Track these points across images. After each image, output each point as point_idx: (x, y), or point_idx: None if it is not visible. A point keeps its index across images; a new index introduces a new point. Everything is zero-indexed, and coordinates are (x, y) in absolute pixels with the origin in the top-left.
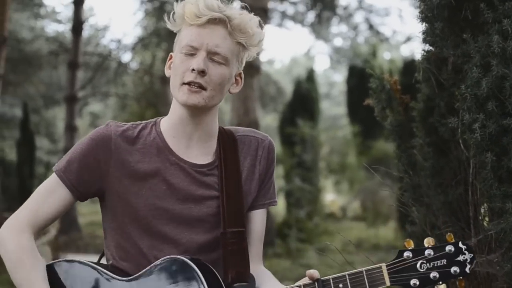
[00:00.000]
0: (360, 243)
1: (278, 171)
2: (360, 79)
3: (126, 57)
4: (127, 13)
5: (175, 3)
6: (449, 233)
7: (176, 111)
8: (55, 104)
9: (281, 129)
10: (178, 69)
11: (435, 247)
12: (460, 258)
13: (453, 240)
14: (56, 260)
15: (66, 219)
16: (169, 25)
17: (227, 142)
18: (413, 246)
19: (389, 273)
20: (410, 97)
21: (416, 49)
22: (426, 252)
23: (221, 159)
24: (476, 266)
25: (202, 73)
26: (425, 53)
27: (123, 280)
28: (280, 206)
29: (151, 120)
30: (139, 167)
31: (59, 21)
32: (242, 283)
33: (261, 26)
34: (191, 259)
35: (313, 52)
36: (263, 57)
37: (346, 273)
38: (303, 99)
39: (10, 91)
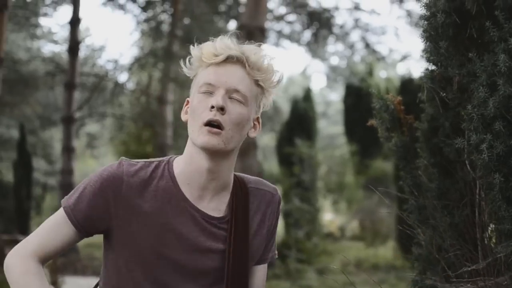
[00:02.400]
0: (359, 263)
1: None
2: (357, 97)
3: (122, 77)
4: (123, 33)
5: (191, 47)
6: None
7: (192, 157)
8: (52, 125)
9: (279, 149)
10: (196, 110)
11: None
12: None
13: None
14: None
15: None
16: (186, 70)
17: (240, 195)
18: None
19: None
20: (413, 117)
21: (413, 68)
22: None
23: (233, 214)
24: None
25: (221, 110)
26: (429, 72)
27: None
28: (279, 227)
29: (163, 158)
30: (149, 212)
31: (56, 42)
32: None
33: (275, 66)
34: None
35: (309, 71)
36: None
37: None
38: (301, 118)
39: (6, 112)
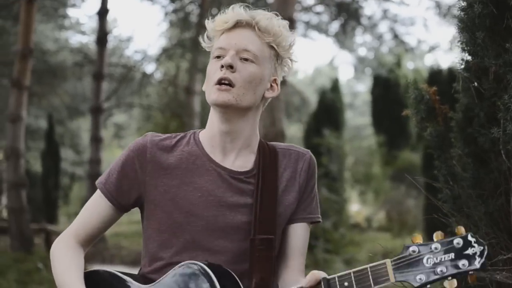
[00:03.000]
0: (386, 254)
1: None
2: (384, 89)
3: (150, 68)
4: (151, 24)
5: (206, 21)
6: (458, 226)
7: (212, 121)
8: (79, 115)
9: (306, 140)
10: (209, 73)
11: (443, 241)
12: (469, 251)
13: (463, 233)
14: (88, 270)
15: None
16: (204, 45)
17: (268, 154)
18: (420, 241)
19: (394, 269)
20: (448, 108)
21: (441, 59)
22: (433, 246)
23: (259, 168)
24: None
25: (230, 68)
26: (464, 63)
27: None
28: None
29: (190, 131)
30: (175, 174)
31: (83, 33)
32: None
33: (290, 31)
34: (208, 265)
35: (337, 62)
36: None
37: (351, 270)
38: (328, 109)
39: (35, 102)
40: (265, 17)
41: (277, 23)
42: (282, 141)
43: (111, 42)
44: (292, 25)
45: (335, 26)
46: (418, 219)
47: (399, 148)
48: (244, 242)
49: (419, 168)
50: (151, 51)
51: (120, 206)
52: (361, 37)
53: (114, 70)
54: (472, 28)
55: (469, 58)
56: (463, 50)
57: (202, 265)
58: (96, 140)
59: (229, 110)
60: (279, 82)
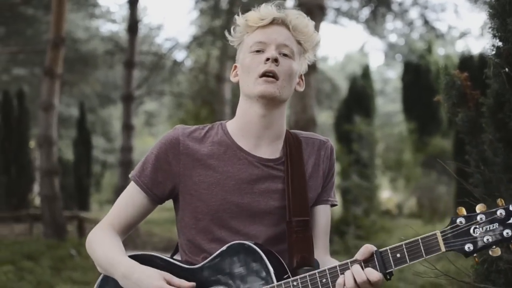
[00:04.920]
0: None
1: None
2: (415, 75)
3: (180, 55)
4: (181, 12)
5: (235, 17)
6: (500, 198)
7: (246, 112)
8: (110, 103)
9: (337, 126)
10: (250, 65)
11: (487, 212)
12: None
13: (504, 205)
14: (135, 253)
15: None
16: (231, 39)
17: (293, 142)
18: (465, 213)
19: (443, 240)
20: (479, 93)
21: (472, 45)
22: (478, 217)
23: (288, 156)
24: None
25: (275, 61)
26: (495, 49)
27: (194, 268)
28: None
29: (216, 122)
30: (208, 163)
31: (114, 21)
32: (307, 267)
33: (316, 31)
34: (255, 243)
35: (367, 48)
36: (317, 54)
37: (402, 242)
38: (359, 96)
39: (66, 90)
40: (296, 16)
41: (306, 23)
42: (314, 128)
43: (141, 30)
44: (322, 12)
45: (365, 12)
46: (449, 205)
47: (430, 134)
48: (277, 226)
49: (450, 154)
50: (181, 39)
51: (156, 197)
52: (391, 24)
53: (145, 58)
54: (503, 14)
55: (500, 44)
56: (494, 36)
57: (250, 244)
58: (127, 128)
59: (272, 102)
60: (303, 77)
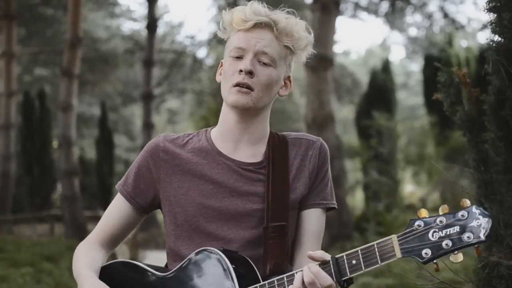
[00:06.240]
0: None
1: (356, 164)
2: (436, 68)
3: (201, 53)
4: (201, 9)
5: (223, 12)
6: (463, 199)
7: (225, 117)
8: (132, 102)
9: (358, 121)
10: (227, 72)
11: (448, 215)
12: (474, 223)
13: (468, 205)
14: (110, 262)
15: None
16: (220, 33)
17: (278, 144)
18: (426, 216)
19: (400, 245)
20: (480, 90)
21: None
22: (438, 220)
23: (270, 159)
24: None
25: (249, 74)
26: (494, 44)
27: (160, 276)
28: (358, 200)
29: (203, 129)
30: (186, 169)
31: (134, 19)
32: (279, 275)
33: (308, 31)
34: (223, 251)
35: (389, 42)
36: (338, 49)
37: (358, 248)
38: (379, 90)
39: (88, 90)
40: (284, 19)
41: (295, 25)
42: (331, 124)
43: (162, 28)
44: (337, 7)
45: (384, 6)
46: (472, 198)
47: (452, 128)
48: (257, 229)
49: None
50: (202, 36)
51: (139, 205)
52: (411, 17)
53: (165, 56)
54: (499, 8)
55: (499, 39)
56: (493, 31)
57: (217, 251)
58: (147, 126)
59: (246, 112)
60: (292, 78)
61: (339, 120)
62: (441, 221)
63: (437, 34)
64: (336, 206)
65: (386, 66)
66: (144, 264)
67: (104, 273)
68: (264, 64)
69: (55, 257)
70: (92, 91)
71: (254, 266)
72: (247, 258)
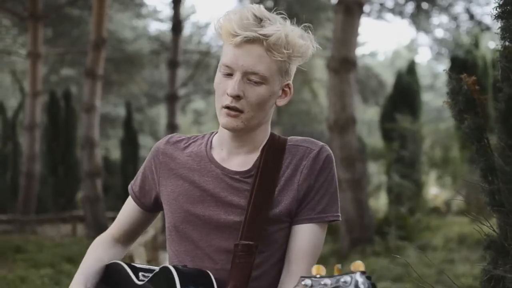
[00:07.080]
0: (462, 239)
1: (380, 167)
2: (462, 70)
3: None
4: (227, 10)
5: (215, 20)
6: (356, 261)
7: (221, 128)
8: (157, 103)
9: (382, 123)
10: (217, 89)
11: (333, 278)
12: None
13: (357, 270)
14: (111, 262)
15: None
16: (215, 38)
17: (272, 152)
18: (321, 274)
19: None
20: (487, 98)
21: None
22: (323, 282)
23: (259, 168)
24: None
25: (237, 97)
26: (503, 50)
27: (136, 284)
28: (381, 203)
29: (211, 131)
30: (179, 173)
31: (161, 20)
32: None
33: (303, 37)
34: (180, 268)
35: (416, 43)
36: (365, 50)
37: None
38: (404, 92)
39: (113, 90)
40: (275, 30)
41: (286, 37)
42: (353, 127)
43: (188, 29)
44: (360, 8)
45: (410, 7)
46: None
47: None
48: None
49: (498, 151)
50: None
51: (144, 206)
52: (437, 18)
53: (190, 57)
54: (507, 14)
55: (508, 45)
56: (503, 37)
57: (171, 268)
58: (172, 127)
59: (238, 132)
60: (291, 84)
61: (364, 122)
62: (325, 284)
63: (464, 35)
64: (339, 218)
65: (411, 68)
66: (140, 266)
67: (106, 272)
68: (255, 82)
69: (75, 258)
70: (118, 91)
71: (214, 285)
72: (209, 274)
